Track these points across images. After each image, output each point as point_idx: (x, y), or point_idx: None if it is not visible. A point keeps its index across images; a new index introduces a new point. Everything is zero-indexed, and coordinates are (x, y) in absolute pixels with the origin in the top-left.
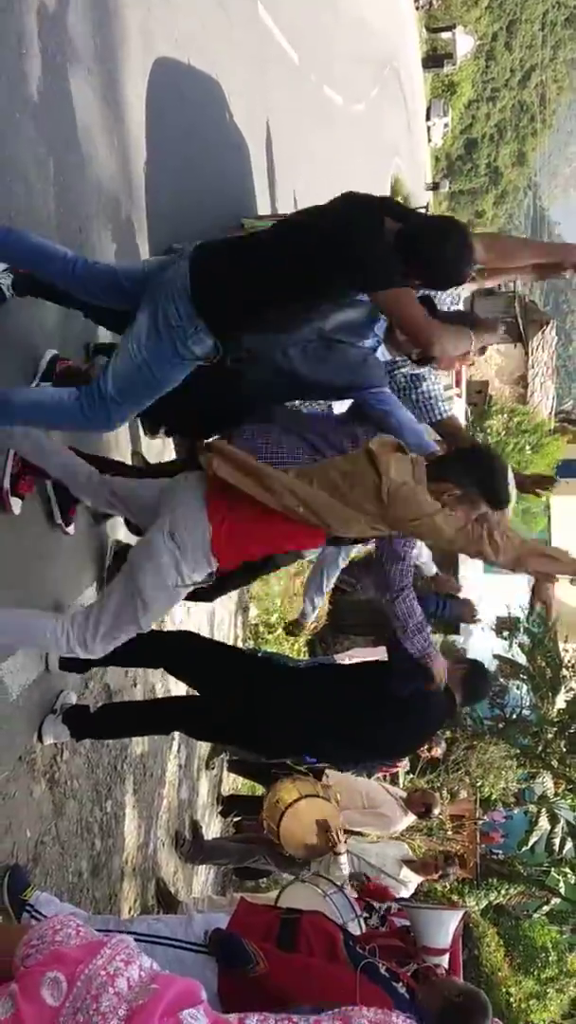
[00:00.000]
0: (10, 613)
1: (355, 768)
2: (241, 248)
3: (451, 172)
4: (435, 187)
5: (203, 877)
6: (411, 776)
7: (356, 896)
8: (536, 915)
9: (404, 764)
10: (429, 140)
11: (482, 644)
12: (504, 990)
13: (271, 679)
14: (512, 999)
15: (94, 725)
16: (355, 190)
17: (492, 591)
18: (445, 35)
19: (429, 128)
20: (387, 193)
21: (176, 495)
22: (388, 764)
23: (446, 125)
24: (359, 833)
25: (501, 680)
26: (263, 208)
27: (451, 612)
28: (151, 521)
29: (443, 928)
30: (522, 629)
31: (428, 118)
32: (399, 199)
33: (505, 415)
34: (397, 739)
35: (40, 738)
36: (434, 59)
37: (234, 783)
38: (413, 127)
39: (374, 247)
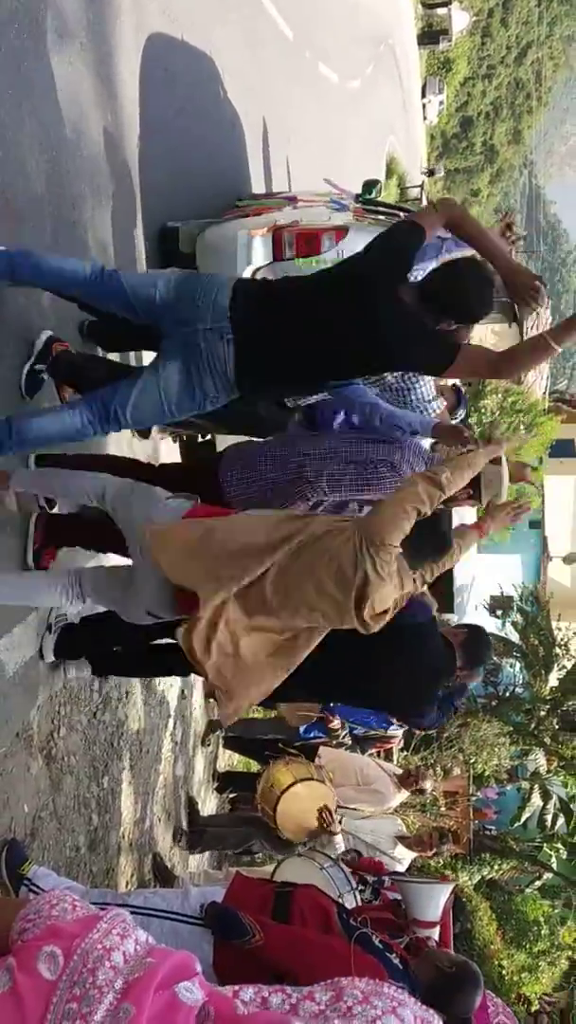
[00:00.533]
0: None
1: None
2: (291, 345)
3: (446, 150)
4: (431, 173)
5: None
6: (405, 753)
7: (352, 870)
8: (528, 890)
9: (398, 740)
10: (424, 118)
11: (476, 623)
12: (496, 963)
13: None
14: (504, 972)
15: (116, 664)
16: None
17: (486, 570)
18: (441, 11)
19: (424, 106)
20: (382, 171)
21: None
22: (384, 730)
23: (441, 103)
24: (354, 809)
25: (495, 658)
26: (258, 186)
27: None
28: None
29: (433, 901)
30: (515, 608)
31: (423, 96)
32: (396, 177)
33: (499, 395)
34: (396, 672)
35: (64, 672)
36: (429, 36)
37: (230, 759)
38: (408, 105)
39: (414, 348)
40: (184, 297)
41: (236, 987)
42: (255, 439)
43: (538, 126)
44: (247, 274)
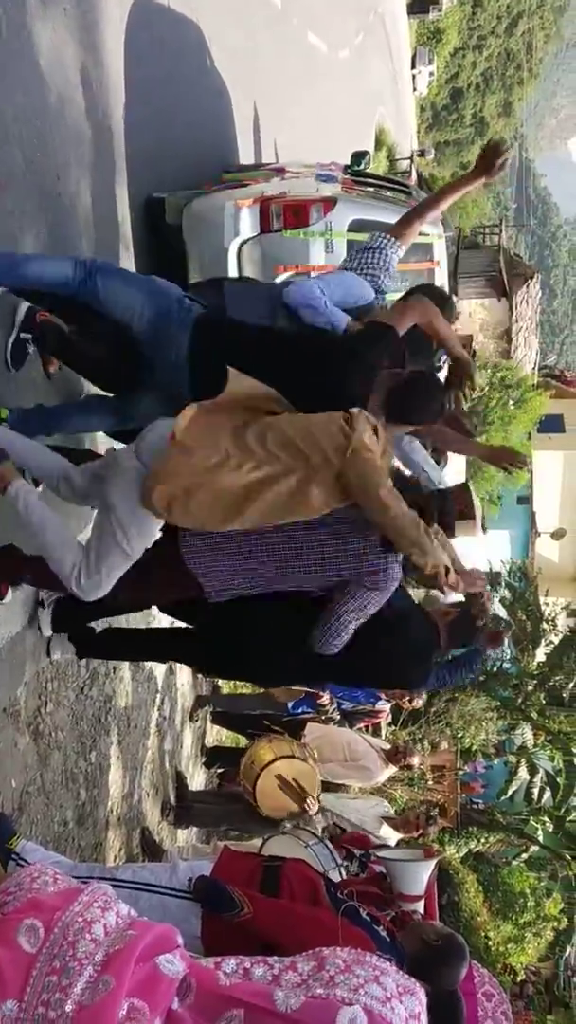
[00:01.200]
0: (59, 525)
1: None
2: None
3: (436, 122)
4: (421, 154)
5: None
6: (392, 728)
7: (336, 845)
8: (515, 862)
9: (386, 714)
10: (414, 89)
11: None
12: (483, 934)
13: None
14: (490, 943)
15: (99, 646)
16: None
17: (474, 546)
18: None
19: (414, 76)
20: (371, 142)
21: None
22: (372, 704)
23: (431, 74)
24: (341, 786)
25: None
26: (245, 157)
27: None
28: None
29: (417, 877)
30: (503, 584)
31: (413, 66)
32: (385, 149)
33: (489, 370)
34: (382, 655)
35: (49, 653)
36: (419, 5)
37: (218, 735)
38: (398, 75)
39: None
40: (158, 332)
41: (218, 959)
42: None
43: (528, 98)
44: (234, 246)
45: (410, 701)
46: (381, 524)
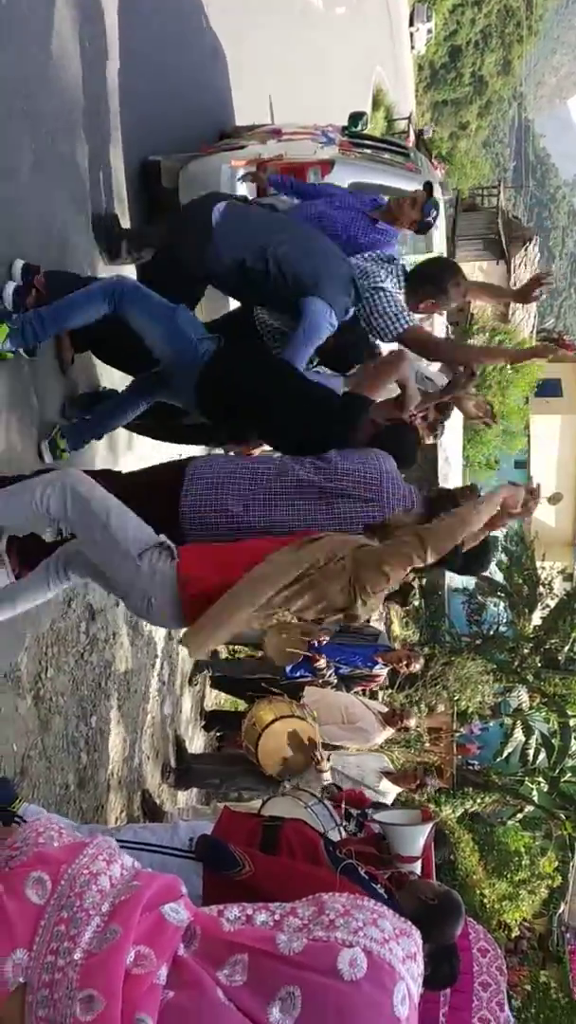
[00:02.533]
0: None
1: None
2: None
3: (434, 81)
4: (420, 133)
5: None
6: (390, 691)
7: (335, 805)
8: (510, 822)
9: (383, 678)
10: (412, 47)
11: None
12: (479, 892)
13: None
14: (486, 900)
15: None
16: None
17: None
18: None
19: (412, 34)
20: (369, 102)
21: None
22: (370, 668)
23: (429, 31)
24: (338, 748)
25: (479, 597)
26: (241, 118)
27: None
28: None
29: (414, 839)
30: (500, 548)
31: (411, 24)
32: (383, 109)
33: (487, 333)
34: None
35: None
36: None
37: (216, 699)
38: (396, 33)
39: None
40: (173, 370)
41: (221, 907)
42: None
43: (528, 56)
44: None
45: (407, 665)
46: None
